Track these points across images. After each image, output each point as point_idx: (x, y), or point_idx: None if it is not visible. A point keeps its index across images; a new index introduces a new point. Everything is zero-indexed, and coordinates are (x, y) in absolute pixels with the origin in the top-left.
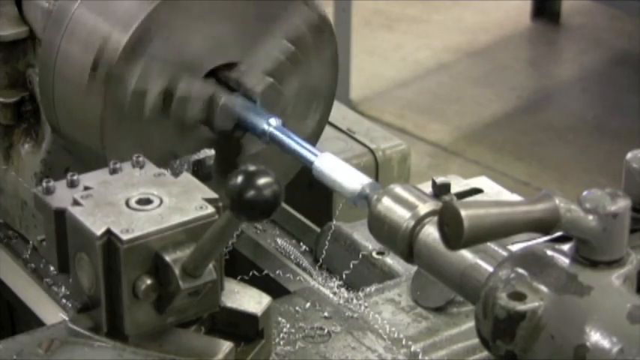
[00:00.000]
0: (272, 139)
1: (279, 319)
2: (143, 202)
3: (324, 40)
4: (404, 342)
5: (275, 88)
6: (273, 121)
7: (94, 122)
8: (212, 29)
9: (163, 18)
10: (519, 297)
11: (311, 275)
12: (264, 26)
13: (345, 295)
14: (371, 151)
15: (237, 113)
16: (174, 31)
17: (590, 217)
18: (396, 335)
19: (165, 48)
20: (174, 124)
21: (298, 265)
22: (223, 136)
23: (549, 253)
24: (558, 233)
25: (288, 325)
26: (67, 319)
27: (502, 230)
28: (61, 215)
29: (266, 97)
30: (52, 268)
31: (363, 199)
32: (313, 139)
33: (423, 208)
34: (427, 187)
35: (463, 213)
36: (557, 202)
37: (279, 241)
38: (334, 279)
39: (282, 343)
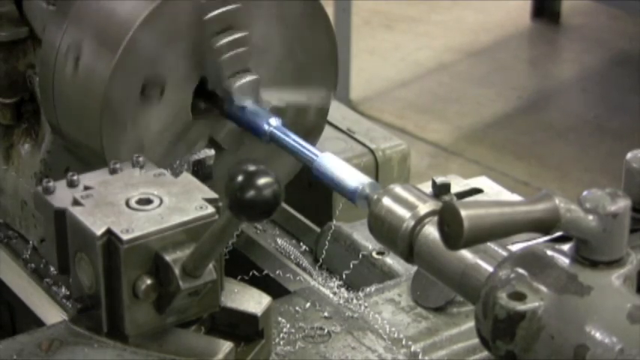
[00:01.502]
0: (272, 139)
1: (279, 319)
2: (143, 202)
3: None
4: (404, 342)
5: (247, 85)
6: (274, 120)
7: (94, 122)
8: (185, 45)
9: (163, 18)
10: (519, 297)
11: (311, 275)
12: (197, 37)
13: (345, 295)
14: (371, 151)
15: (246, 100)
16: (173, 30)
17: (590, 217)
18: (396, 335)
19: (164, 46)
20: (174, 121)
21: (298, 265)
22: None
23: (549, 253)
24: (558, 233)
25: (288, 325)
26: (67, 319)
27: (502, 230)
28: (61, 215)
29: (247, 96)
30: (52, 268)
31: (363, 199)
32: (322, 114)
33: (423, 208)
34: (427, 187)
35: (463, 213)
36: (557, 202)
37: (279, 241)
38: (334, 279)
39: (282, 343)
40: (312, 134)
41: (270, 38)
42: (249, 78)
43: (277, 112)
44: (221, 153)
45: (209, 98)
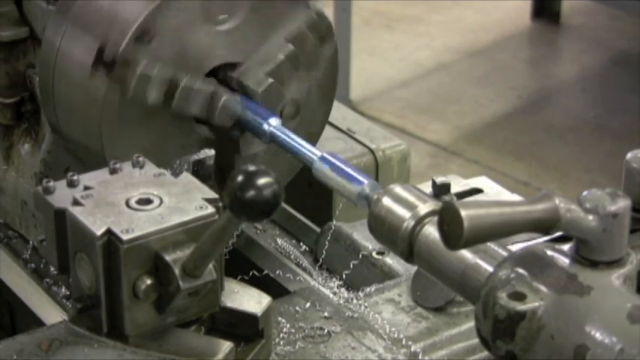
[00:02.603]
0: (272, 139)
1: (279, 319)
2: (143, 202)
3: (324, 38)
4: (404, 342)
5: (276, 89)
6: (274, 121)
7: (94, 122)
8: (214, 29)
9: (164, 18)
10: (519, 297)
11: (311, 275)
12: (266, 28)
13: (345, 295)
14: (371, 151)
15: (238, 111)
16: (174, 31)
17: (590, 217)
18: (396, 335)
19: (165, 47)
20: (174, 121)
21: (298, 265)
22: (221, 136)
23: (549, 253)
24: (558, 233)
25: (288, 325)
26: (67, 319)
27: (502, 230)
28: (61, 215)
29: (267, 97)
30: (52, 268)
31: (363, 199)
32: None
33: (423, 208)
34: (427, 187)
35: (463, 213)
36: (557, 202)
37: (279, 241)
38: (334, 279)
39: (282, 343)
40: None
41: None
42: (221, 102)
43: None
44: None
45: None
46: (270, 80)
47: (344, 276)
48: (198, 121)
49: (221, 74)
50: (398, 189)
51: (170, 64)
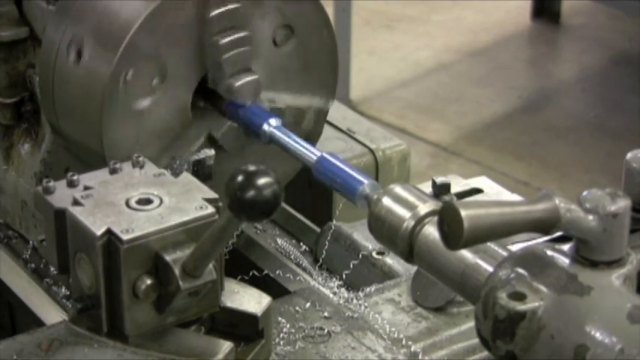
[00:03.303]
0: (272, 139)
1: (279, 319)
2: (143, 202)
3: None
4: (404, 342)
5: (248, 85)
6: (274, 121)
7: (94, 122)
8: (188, 42)
9: (163, 17)
10: (519, 297)
11: (311, 275)
12: (198, 36)
13: (345, 295)
14: (371, 151)
15: (248, 100)
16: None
17: (590, 217)
18: (396, 335)
19: (165, 45)
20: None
21: (298, 265)
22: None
23: (549, 253)
24: (558, 233)
25: (288, 325)
26: (67, 319)
27: (502, 230)
28: (61, 215)
29: (247, 97)
30: (52, 268)
31: (363, 199)
32: (321, 117)
33: (423, 208)
34: (427, 187)
35: (463, 213)
36: (557, 202)
37: (279, 241)
38: (334, 279)
39: (282, 343)
40: (311, 137)
41: (270, 39)
42: (250, 78)
43: (277, 112)
44: (222, 154)
45: (209, 97)
46: (236, 85)
47: (344, 276)
48: (199, 119)
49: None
50: (398, 189)
51: (160, 149)
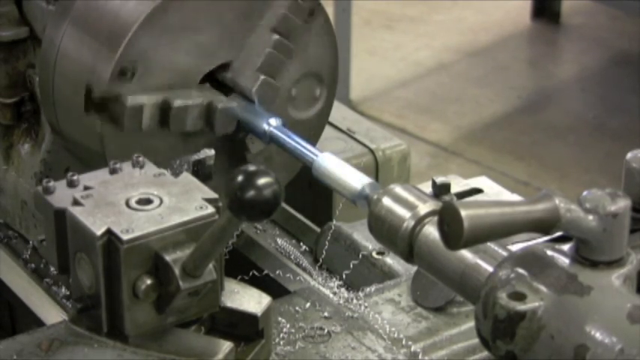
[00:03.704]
0: (272, 139)
1: (279, 319)
2: (143, 202)
3: (316, 21)
4: (404, 342)
5: (270, 85)
6: (274, 121)
7: (94, 122)
8: (197, 37)
9: (145, 41)
10: (519, 297)
11: (311, 275)
12: (248, 23)
13: (345, 295)
14: (371, 151)
15: (237, 116)
16: (158, 52)
17: (590, 217)
18: (396, 335)
19: (152, 71)
20: (175, 134)
21: (298, 265)
22: (226, 139)
23: (549, 253)
24: (558, 233)
25: (288, 325)
26: (67, 319)
27: (502, 230)
28: (61, 215)
29: (262, 95)
30: (52, 268)
31: (363, 199)
32: (319, 126)
33: (423, 208)
34: (427, 187)
35: (463, 213)
36: (557, 202)
37: (279, 241)
38: (334, 279)
39: (282, 343)
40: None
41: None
42: (272, 81)
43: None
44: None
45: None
46: (262, 77)
47: (344, 276)
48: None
49: (215, 77)
50: (398, 189)
51: (160, 85)
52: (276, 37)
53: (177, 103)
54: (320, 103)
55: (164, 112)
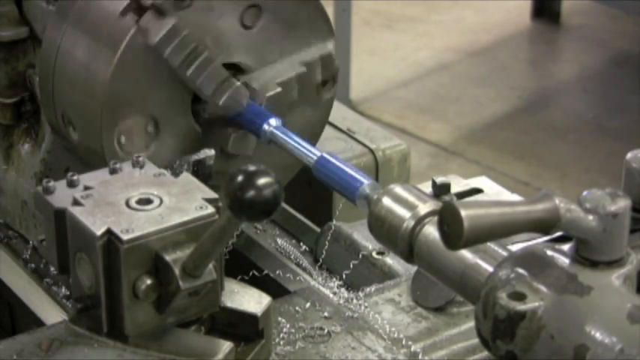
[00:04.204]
0: (272, 139)
1: (279, 319)
2: (143, 202)
3: (327, 82)
4: (404, 342)
5: (282, 99)
6: (274, 121)
7: (94, 122)
8: (241, 26)
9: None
10: (519, 297)
11: (311, 275)
12: (285, 46)
13: (345, 295)
14: (371, 151)
15: (243, 104)
16: (209, 9)
17: (590, 217)
18: (396, 335)
19: (197, 19)
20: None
21: (298, 265)
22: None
23: (549, 253)
24: (558, 233)
25: (288, 325)
26: (67, 319)
27: (502, 230)
28: (61, 215)
29: (272, 104)
30: (52, 268)
31: (363, 199)
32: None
33: (423, 208)
34: (427, 187)
35: (463, 213)
36: (557, 202)
37: (279, 241)
38: (334, 279)
39: (282, 343)
40: (314, 134)
41: (239, 26)
42: (231, 89)
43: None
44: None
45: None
46: (279, 89)
47: (344, 276)
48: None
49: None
50: (398, 189)
51: (196, 37)
52: (304, 69)
53: (207, 55)
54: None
55: (191, 56)
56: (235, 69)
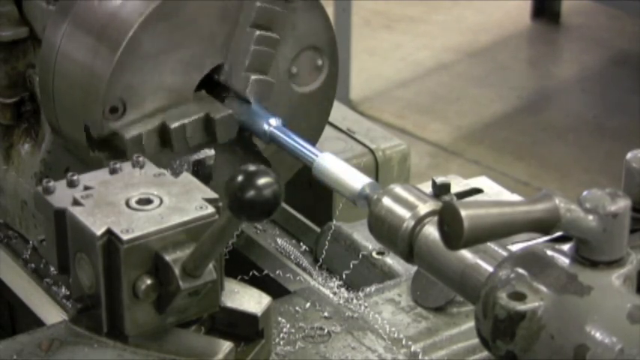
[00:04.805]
0: (272, 139)
1: (279, 319)
2: (143, 202)
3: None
4: (404, 342)
5: (262, 82)
6: (274, 121)
7: (94, 122)
8: (178, 54)
9: (165, 15)
10: (519, 297)
11: (311, 275)
12: (227, 25)
13: (345, 295)
14: (371, 151)
15: (237, 120)
16: (146, 74)
17: (590, 217)
18: (396, 335)
19: (144, 97)
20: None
21: (298, 265)
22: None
23: (549, 253)
24: (558, 233)
25: (288, 325)
26: (67, 319)
27: (502, 230)
28: (61, 215)
29: (256, 94)
30: (52, 268)
31: (363, 199)
32: (328, 98)
33: (423, 208)
34: (427, 187)
35: (463, 213)
36: (557, 202)
37: (279, 241)
38: (334, 279)
39: (282, 343)
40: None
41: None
42: (265, 78)
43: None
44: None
45: (212, 90)
46: (253, 77)
47: (344, 276)
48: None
49: (213, 77)
50: (398, 189)
51: (155, 110)
52: (257, 32)
53: (175, 124)
54: (324, 72)
55: (164, 134)
56: (212, 70)
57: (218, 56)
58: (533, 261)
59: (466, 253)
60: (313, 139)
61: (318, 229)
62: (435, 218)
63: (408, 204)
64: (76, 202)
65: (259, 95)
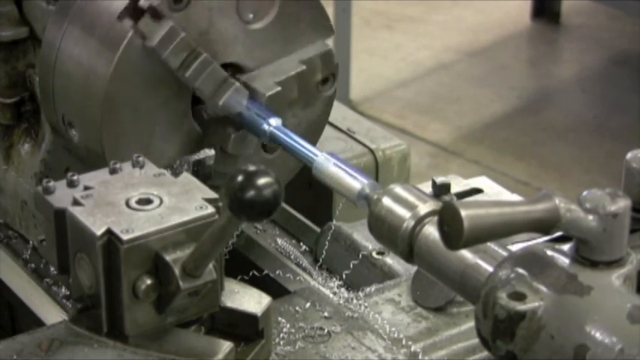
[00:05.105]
0: (272, 139)
1: (279, 319)
2: (143, 202)
3: (328, 79)
4: (404, 342)
5: (283, 98)
6: (274, 121)
7: (94, 122)
8: (241, 25)
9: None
10: (519, 297)
11: (311, 275)
12: (285, 45)
13: (345, 295)
14: (371, 151)
15: (242, 105)
16: (207, 9)
17: (590, 217)
18: (396, 335)
19: (196, 20)
20: (171, 120)
21: (298, 265)
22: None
23: (549, 253)
24: (558, 233)
25: (288, 325)
26: (67, 319)
27: (502, 230)
28: (61, 215)
29: (272, 103)
30: (52, 268)
31: (363, 199)
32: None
33: (423, 208)
34: (427, 187)
35: (463, 213)
36: (557, 202)
37: (279, 241)
38: (334, 279)
39: (282, 343)
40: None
41: (238, 21)
42: (230, 90)
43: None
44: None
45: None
46: (279, 88)
47: (344, 276)
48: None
49: (229, 73)
50: (398, 189)
51: (195, 37)
52: (304, 67)
53: (205, 57)
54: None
55: (189, 58)
56: (234, 69)
57: (254, 61)
58: (533, 261)
59: (466, 253)
60: (313, 140)
61: (318, 229)
62: (435, 218)
63: (408, 204)
64: (76, 202)
65: (239, 104)
